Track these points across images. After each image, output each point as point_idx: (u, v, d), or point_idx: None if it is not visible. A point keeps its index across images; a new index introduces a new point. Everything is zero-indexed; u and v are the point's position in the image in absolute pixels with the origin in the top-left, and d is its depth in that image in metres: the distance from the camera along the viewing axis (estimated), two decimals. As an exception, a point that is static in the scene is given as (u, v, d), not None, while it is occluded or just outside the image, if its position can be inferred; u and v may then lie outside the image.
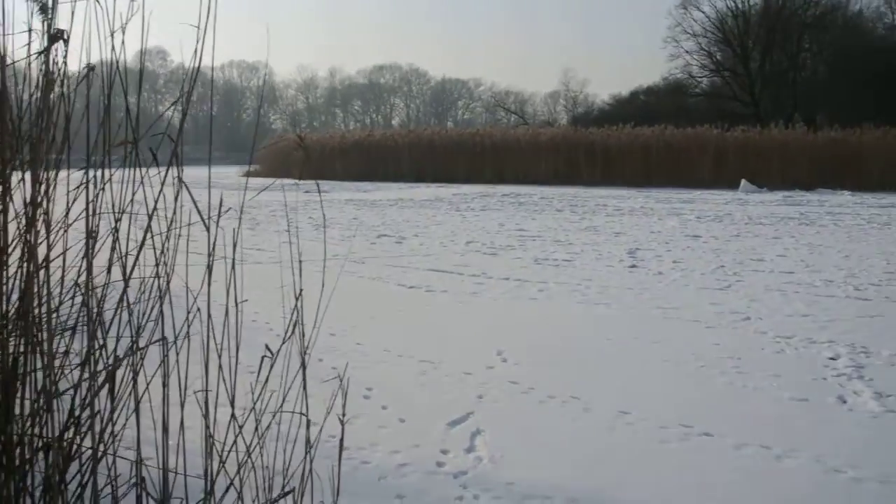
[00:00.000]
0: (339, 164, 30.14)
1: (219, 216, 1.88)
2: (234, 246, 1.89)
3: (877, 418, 3.41)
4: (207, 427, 1.99)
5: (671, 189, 21.82)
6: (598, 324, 5.26)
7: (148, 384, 2.07)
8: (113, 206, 2.01)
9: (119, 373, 2.05)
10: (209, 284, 1.84)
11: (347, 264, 7.91)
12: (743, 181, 21.29)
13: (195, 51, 1.92)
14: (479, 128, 35.06)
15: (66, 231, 2.18)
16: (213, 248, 1.90)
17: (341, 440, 2.06)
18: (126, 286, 1.97)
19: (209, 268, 1.86)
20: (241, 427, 1.99)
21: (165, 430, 1.99)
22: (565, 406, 3.50)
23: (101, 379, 2.05)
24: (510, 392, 3.71)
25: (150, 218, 2.00)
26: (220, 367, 1.96)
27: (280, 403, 2.08)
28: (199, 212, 1.80)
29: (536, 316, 5.54)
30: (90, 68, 2.16)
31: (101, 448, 2.02)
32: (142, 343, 2.07)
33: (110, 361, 2.03)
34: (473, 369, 4.07)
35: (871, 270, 7.44)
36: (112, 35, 2.01)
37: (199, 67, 1.90)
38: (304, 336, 1.96)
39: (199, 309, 1.93)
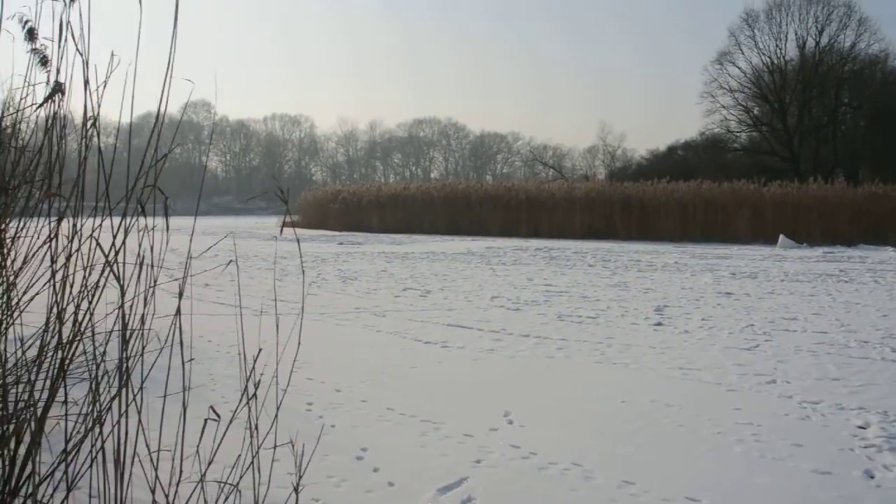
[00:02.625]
0: (376, 216, 30.36)
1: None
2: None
3: (904, 495, 3.16)
4: (152, 491, 1.90)
5: (708, 245, 21.47)
6: (615, 385, 5.05)
7: (103, 442, 1.98)
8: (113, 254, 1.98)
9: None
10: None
11: (367, 318, 7.82)
12: (781, 237, 20.88)
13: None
14: (515, 182, 35.15)
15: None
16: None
17: (296, 512, 1.94)
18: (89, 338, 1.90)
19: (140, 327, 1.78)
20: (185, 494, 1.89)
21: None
22: (566, 474, 3.31)
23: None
24: (510, 457, 3.53)
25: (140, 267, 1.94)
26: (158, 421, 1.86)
27: (240, 467, 1.98)
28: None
29: (551, 376, 5.35)
30: (95, 119, 2.16)
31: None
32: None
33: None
34: (476, 431, 3.90)
35: (911, 332, 7.11)
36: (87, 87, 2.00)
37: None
38: (257, 401, 1.86)
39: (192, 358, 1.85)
